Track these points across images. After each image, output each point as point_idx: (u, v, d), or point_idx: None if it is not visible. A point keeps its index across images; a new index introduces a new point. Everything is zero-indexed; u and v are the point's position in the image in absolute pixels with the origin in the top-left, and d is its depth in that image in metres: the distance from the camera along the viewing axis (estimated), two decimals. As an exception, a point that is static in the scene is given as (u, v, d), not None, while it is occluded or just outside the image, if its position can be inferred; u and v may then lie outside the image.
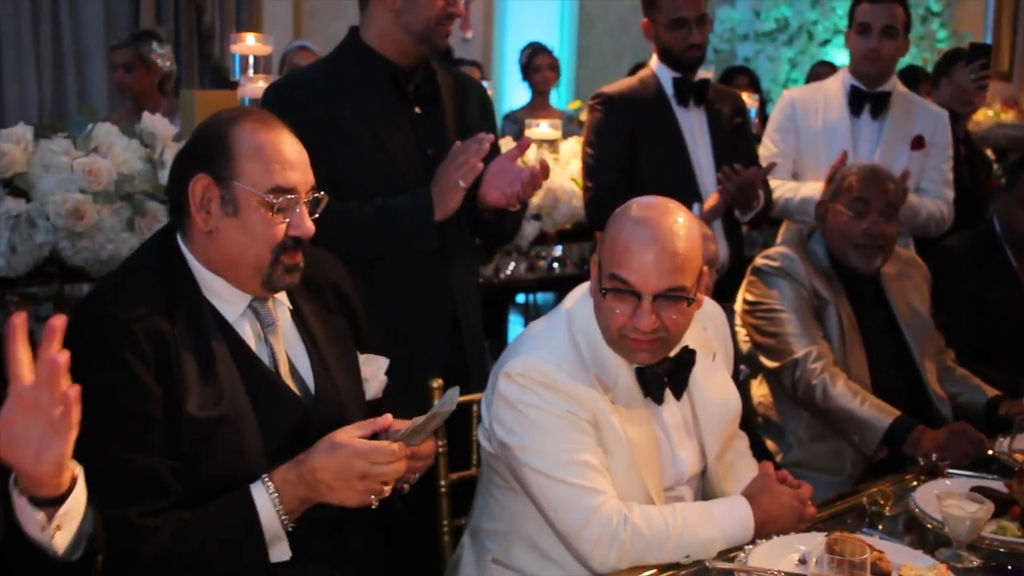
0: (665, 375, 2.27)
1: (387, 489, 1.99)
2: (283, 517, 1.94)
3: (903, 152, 4.03)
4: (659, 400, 2.28)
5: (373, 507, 2.00)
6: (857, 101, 4.07)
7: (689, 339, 2.30)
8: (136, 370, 1.88)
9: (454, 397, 2.01)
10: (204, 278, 2.05)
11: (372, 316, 2.41)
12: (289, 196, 2.03)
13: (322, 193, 2.13)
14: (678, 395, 2.32)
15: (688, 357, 2.30)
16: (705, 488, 2.41)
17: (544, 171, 2.82)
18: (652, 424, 2.27)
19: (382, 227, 2.76)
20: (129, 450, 1.87)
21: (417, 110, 2.92)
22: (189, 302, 2.01)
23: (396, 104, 2.88)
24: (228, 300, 2.07)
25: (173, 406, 1.91)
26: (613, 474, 2.19)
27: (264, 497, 1.93)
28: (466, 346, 2.96)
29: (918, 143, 4.06)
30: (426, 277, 2.87)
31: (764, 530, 2.18)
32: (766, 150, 4.13)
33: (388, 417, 2.04)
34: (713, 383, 2.39)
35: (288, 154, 2.04)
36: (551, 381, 2.17)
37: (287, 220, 2.04)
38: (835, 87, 4.15)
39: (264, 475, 1.95)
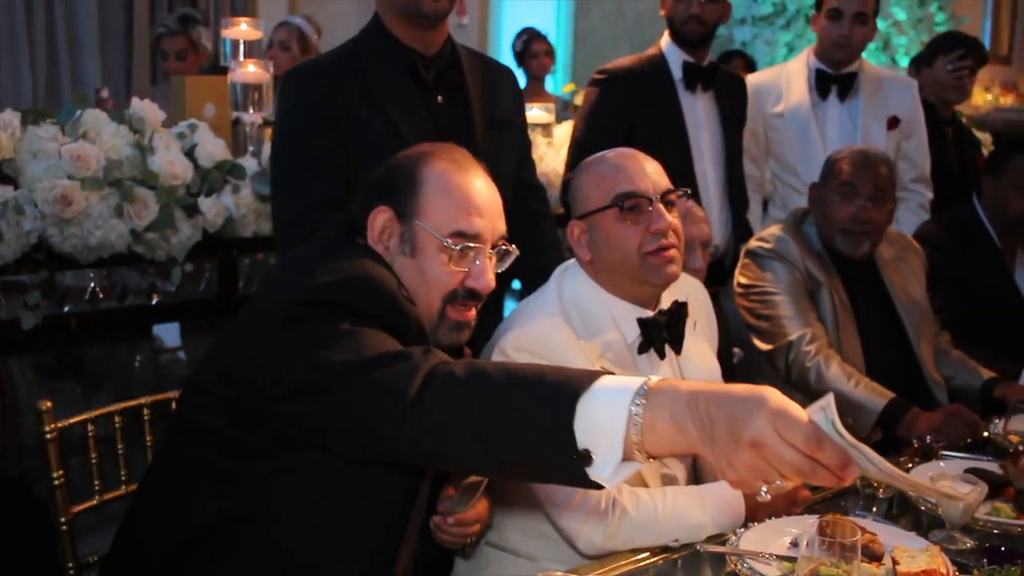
0: (664, 328, 2.28)
1: (788, 484, 1.34)
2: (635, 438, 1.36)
3: (880, 133, 4.04)
4: (661, 354, 2.29)
5: (763, 500, 1.40)
6: (823, 84, 4.07)
7: (669, 303, 2.33)
8: None
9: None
10: None
11: None
12: (471, 244, 1.90)
13: (513, 247, 2.00)
14: (677, 349, 2.33)
15: (681, 310, 2.32)
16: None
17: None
18: None
19: None
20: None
21: (440, 99, 2.77)
22: None
23: (415, 93, 2.72)
24: None
25: None
26: None
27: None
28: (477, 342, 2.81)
29: (893, 123, 4.07)
30: None
31: (757, 515, 2.17)
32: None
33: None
34: (696, 350, 2.41)
35: (477, 199, 1.92)
36: (547, 350, 2.17)
37: (467, 270, 1.92)
38: (797, 69, 4.15)
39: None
